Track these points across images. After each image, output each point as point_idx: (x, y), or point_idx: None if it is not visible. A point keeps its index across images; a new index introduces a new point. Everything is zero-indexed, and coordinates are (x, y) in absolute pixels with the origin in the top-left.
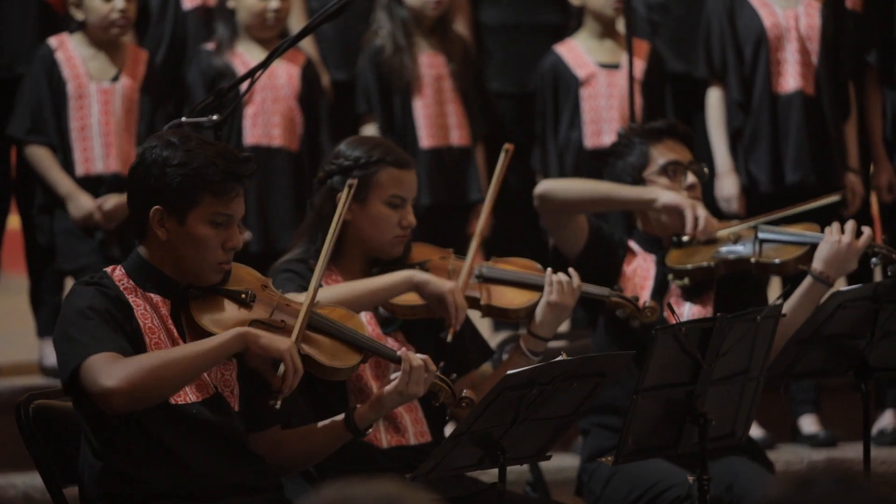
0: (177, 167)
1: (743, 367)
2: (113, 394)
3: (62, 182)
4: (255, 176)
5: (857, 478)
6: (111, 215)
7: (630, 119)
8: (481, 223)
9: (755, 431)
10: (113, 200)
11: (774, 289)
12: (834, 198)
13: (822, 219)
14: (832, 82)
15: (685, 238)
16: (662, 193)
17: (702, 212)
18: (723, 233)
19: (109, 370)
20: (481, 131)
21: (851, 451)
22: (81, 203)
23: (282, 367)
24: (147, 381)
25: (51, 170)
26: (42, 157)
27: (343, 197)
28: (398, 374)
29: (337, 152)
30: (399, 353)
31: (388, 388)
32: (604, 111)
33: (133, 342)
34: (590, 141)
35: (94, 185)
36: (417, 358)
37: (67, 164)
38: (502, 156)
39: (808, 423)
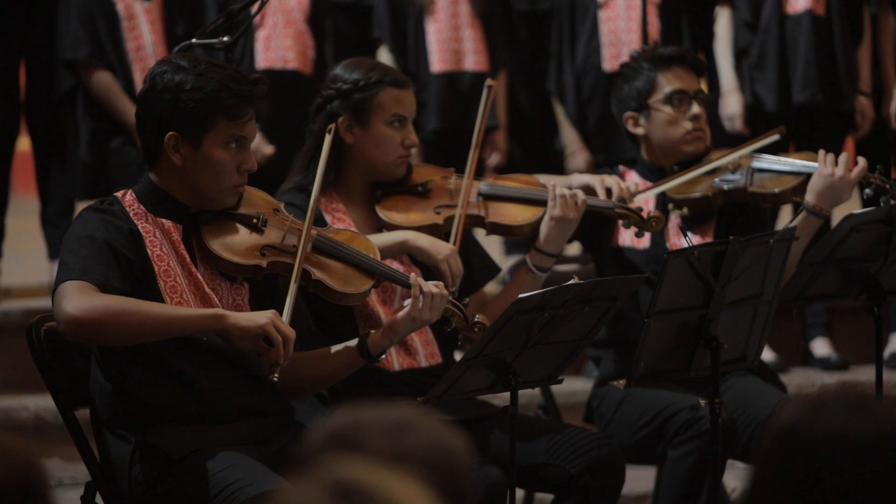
0: (190, 92)
1: (755, 291)
2: (67, 320)
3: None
4: (267, 97)
5: (871, 400)
6: None
7: (643, 42)
8: (473, 147)
9: (767, 355)
10: None
11: (785, 216)
12: (774, 136)
13: (830, 144)
14: (844, 4)
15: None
16: (575, 177)
17: (612, 181)
18: (723, 161)
19: (76, 297)
20: (503, 58)
21: (864, 374)
22: None
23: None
24: (103, 321)
25: (119, 98)
26: (108, 83)
27: (327, 142)
28: (410, 299)
29: (334, 76)
30: (410, 278)
31: (400, 314)
32: (623, 34)
33: (141, 270)
34: (608, 64)
35: None
36: (429, 284)
37: (128, 87)
38: (485, 92)
39: (821, 347)
